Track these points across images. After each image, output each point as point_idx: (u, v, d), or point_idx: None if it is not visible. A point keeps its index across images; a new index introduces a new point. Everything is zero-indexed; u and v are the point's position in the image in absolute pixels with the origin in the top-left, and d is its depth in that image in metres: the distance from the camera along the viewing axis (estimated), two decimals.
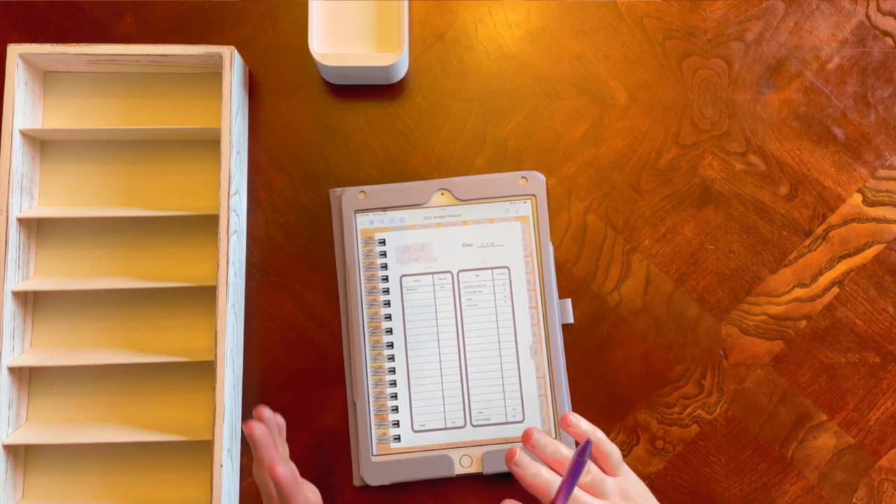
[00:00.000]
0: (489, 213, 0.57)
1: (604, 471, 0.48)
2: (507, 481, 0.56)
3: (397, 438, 0.55)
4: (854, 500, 0.56)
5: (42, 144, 0.57)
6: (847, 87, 0.60)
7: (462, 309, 0.56)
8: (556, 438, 0.55)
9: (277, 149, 0.59)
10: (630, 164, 0.59)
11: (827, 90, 0.60)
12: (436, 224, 0.57)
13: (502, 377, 0.55)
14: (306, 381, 0.56)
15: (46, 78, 0.58)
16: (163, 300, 0.56)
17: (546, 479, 0.46)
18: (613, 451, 0.48)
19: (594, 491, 0.47)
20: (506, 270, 0.57)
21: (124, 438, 0.52)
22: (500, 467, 0.54)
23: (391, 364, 0.55)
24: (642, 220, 0.58)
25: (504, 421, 0.55)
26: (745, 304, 0.58)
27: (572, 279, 0.58)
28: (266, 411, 0.46)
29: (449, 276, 0.56)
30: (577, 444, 0.50)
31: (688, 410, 0.57)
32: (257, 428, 0.43)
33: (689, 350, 0.57)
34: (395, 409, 0.55)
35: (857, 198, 0.59)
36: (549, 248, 0.57)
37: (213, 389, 0.51)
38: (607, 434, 0.56)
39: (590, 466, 0.47)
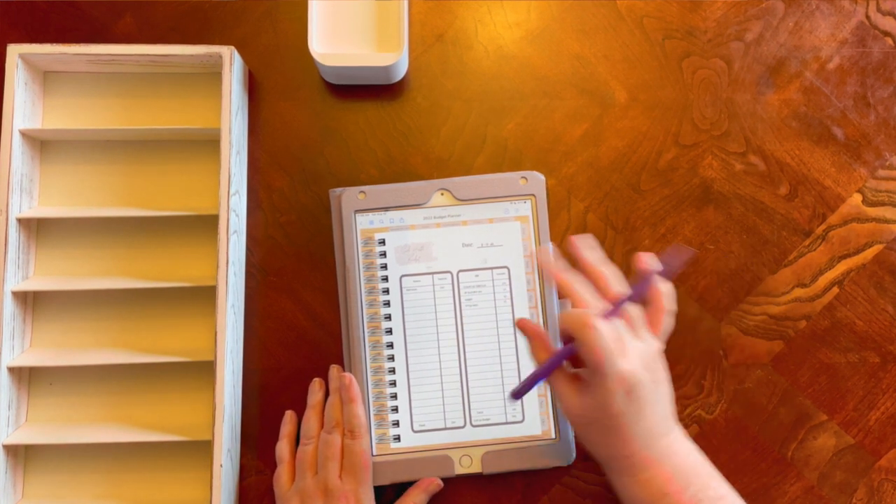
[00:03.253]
0: (489, 213, 0.57)
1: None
2: (507, 481, 0.56)
3: (397, 438, 0.55)
4: (854, 501, 0.56)
5: (42, 144, 0.57)
6: (847, 87, 0.60)
7: (462, 309, 0.56)
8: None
9: (277, 149, 0.59)
10: (630, 164, 0.59)
11: (827, 90, 0.60)
12: (436, 224, 0.57)
13: (502, 377, 0.55)
14: (306, 381, 0.56)
15: (46, 78, 0.58)
16: (163, 300, 0.56)
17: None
18: (669, 324, 0.49)
19: (633, 327, 0.47)
20: (505, 270, 0.57)
21: (124, 438, 0.52)
22: (501, 467, 0.54)
23: (391, 364, 0.55)
24: (642, 220, 0.58)
25: (504, 421, 0.55)
26: (744, 305, 0.58)
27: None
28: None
29: (449, 276, 0.56)
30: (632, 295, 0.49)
31: (688, 410, 0.57)
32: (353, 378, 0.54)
33: (688, 350, 0.57)
34: (395, 409, 0.55)
35: (857, 198, 0.59)
36: (549, 248, 0.57)
37: (213, 389, 0.51)
38: None
39: (639, 316, 0.47)
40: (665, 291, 0.49)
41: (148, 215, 0.55)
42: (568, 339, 0.46)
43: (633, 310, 0.47)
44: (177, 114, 0.58)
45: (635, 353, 0.45)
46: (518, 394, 0.48)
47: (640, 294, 0.47)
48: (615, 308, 0.46)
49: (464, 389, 0.55)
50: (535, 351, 0.49)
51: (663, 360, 0.48)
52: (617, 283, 0.49)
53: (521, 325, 0.50)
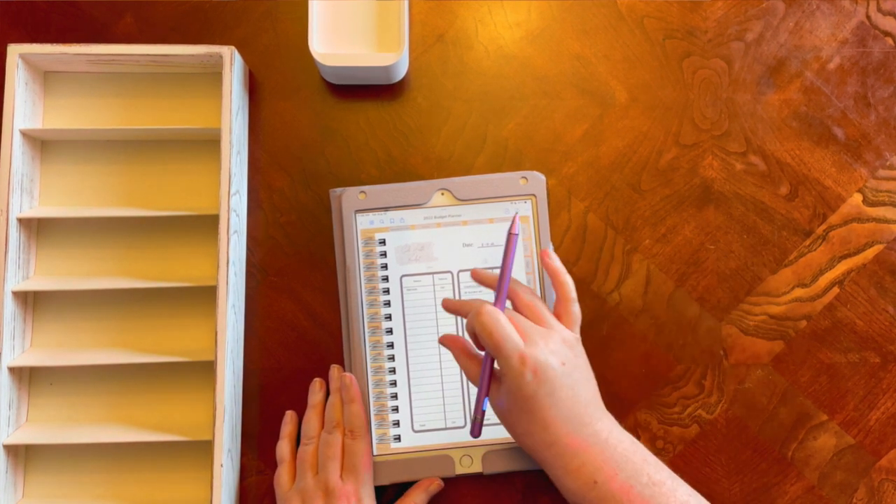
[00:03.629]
0: (489, 213, 0.57)
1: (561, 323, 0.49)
2: (508, 481, 0.56)
3: (397, 438, 0.55)
4: (854, 501, 0.56)
5: (42, 144, 0.57)
6: (847, 87, 0.60)
7: None
8: None
9: (277, 149, 0.59)
10: (630, 164, 0.59)
11: (827, 90, 0.60)
12: (436, 224, 0.57)
13: None
14: (306, 381, 0.56)
15: (46, 78, 0.58)
16: (163, 300, 0.56)
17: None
18: (577, 312, 0.50)
19: (536, 318, 0.48)
20: None
21: (124, 438, 0.52)
22: (501, 467, 0.54)
23: (391, 364, 0.55)
24: (642, 220, 0.58)
25: None
26: (745, 304, 0.58)
27: (572, 279, 0.58)
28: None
29: (449, 276, 0.56)
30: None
31: (688, 410, 0.57)
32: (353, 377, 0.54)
33: (689, 350, 0.57)
34: (396, 409, 0.55)
35: (858, 198, 0.59)
36: (550, 248, 0.57)
37: (213, 389, 0.51)
38: None
39: (541, 306, 0.49)
40: (567, 282, 0.51)
41: (148, 215, 0.55)
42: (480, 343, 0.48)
43: (537, 302, 0.49)
44: (177, 114, 0.58)
45: (538, 336, 0.46)
46: (476, 428, 0.48)
47: (509, 262, 0.48)
48: (499, 288, 0.48)
49: (464, 389, 0.55)
50: (458, 358, 0.49)
51: (579, 347, 0.49)
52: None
53: (442, 341, 0.51)
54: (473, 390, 0.55)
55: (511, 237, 0.48)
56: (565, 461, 0.45)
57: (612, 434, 0.46)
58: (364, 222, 0.57)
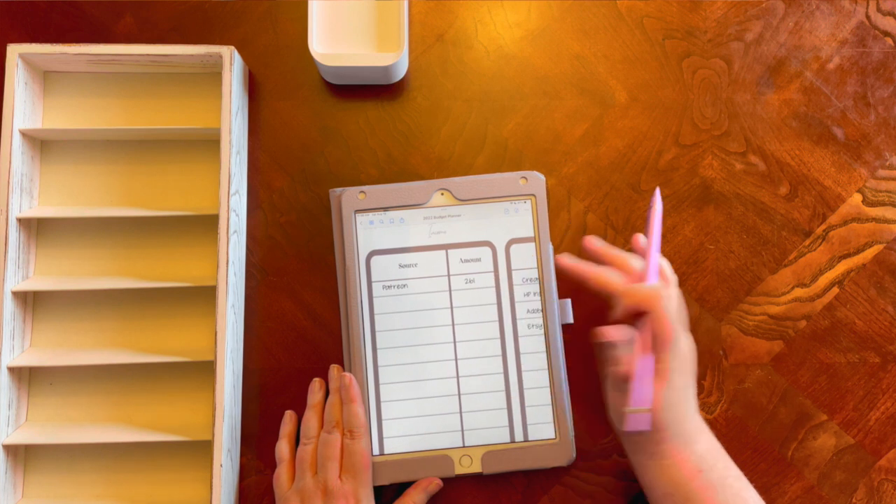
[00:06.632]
0: (489, 214, 0.57)
1: None
2: (507, 481, 0.56)
3: (397, 438, 0.55)
4: (854, 501, 0.56)
5: (42, 144, 0.57)
6: (847, 87, 0.60)
7: (461, 309, 0.56)
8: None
9: (277, 149, 0.59)
10: (630, 164, 0.59)
11: (827, 90, 0.60)
12: (436, 224, 0.57)
13: (503, 377, 0.55)
14: (306, 381, 0.56)
15: (46, 78, 0.58)
16: (163, 300, 0.56)
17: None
18: (673, 279, 0.52)
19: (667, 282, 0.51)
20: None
21: (124, 438, 0.52)
22: (501, 467, 0.54)
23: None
24: (642, 220, 0.58)
25: (504, 424, 0.55)
26: (744, 304, 0.58)
27: (572, 279, 0.57)
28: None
29: (448, 276, 0.56)
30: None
31: None
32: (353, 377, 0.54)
33: None
34: (396, 409, 0.55)
35: (857, 198, 0.59)
36: (549, 248, 0.57)
37: (213, 389, 0.51)
38: (601, 436, 0.56)
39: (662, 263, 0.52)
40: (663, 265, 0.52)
41: (148, 215, 0.55)
42: (633, 314, 0.49)
43: (663, 263, 0.52)
44: (177, 114, 0.58)
45: (680, 317, 0.50)
46: (637, 421, 0.48)
47: (656, 234, 0.50)
48: (650, 262, 0.49)
49: (465, 389, 0.55)
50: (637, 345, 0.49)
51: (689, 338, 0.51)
52: (634, 260, 0.52)
53: (603, 336, 0.50)
54: (474, 389, 0.55)
55: (653, 211, 0.50)
56: (681, 446, 0.48)
57: (705, 425, 0.50)
58: (364, 222, 0.57)
